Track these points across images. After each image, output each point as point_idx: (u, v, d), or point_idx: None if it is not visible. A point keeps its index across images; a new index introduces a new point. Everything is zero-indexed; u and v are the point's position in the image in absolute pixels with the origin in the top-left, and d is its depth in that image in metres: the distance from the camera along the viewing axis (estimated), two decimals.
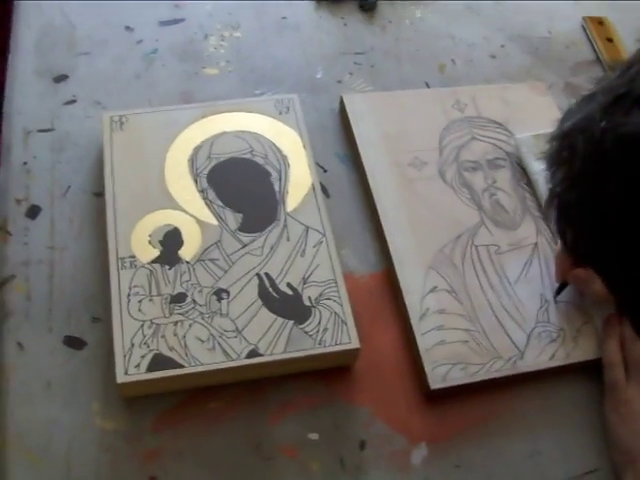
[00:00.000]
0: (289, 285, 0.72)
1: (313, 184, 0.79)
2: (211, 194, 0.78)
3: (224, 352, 0.68)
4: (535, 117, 0.89)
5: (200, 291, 0.71)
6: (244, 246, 0.74)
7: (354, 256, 0.79)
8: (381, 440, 0.69)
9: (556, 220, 0.51)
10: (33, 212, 0.78)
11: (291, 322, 0.70)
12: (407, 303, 0.74)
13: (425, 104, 0.90)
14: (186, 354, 0.67)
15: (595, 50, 1.02)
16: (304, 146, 0.82)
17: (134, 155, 0.79)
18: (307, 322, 0.70)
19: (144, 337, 0.68)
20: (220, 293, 0.71)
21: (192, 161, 0.80)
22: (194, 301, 0.71)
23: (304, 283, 0.72)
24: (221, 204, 0.77)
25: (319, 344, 0.69)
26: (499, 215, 0.82)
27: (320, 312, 0.71)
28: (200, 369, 0.67)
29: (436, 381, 0.70)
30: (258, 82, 0.92)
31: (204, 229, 0.75)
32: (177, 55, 0.93)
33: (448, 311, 0.75)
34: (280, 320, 0.70)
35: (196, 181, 0.78)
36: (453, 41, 1.01)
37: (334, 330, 0.70)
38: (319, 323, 0.70)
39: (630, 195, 0.43)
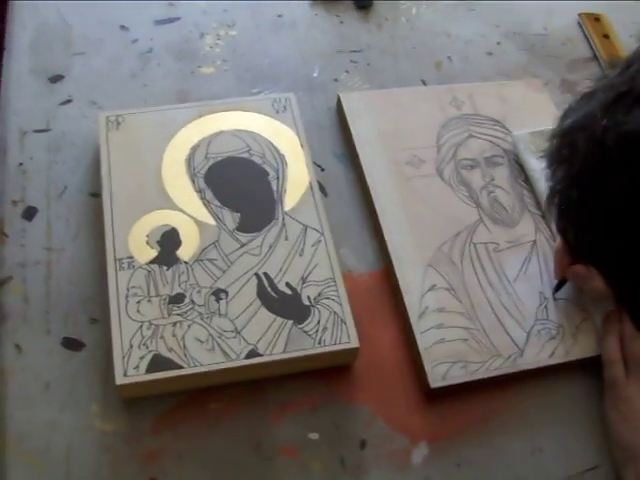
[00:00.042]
0: (288, 285, 0.72)
1: (311, 183, 0.79)
2: (209, 194, 0.77)
3: (223, 352, 0.68)
4: (532, 114, 0.89)
5: (199, 291, 0.71)
6: (242, 246, 0.74)
7: (352, 255, 0.79)
8: (381, 439, 0.69)
9: (557, 218, 0.51)
10: (29, 213, 0.78)
11: (290, 322, 0.70)
12: (406, 302, 0.74)
13: (422, 102, 0.90)
14: (185, 355, 0.67)
15: (591, 47, 1.02)
16: (301, 145, 0.82)
17: (131, 155, 0.79)
18: (306, 322, 0.70)
19: (143, 338, 0.68)
20: (219, 293, 0.71)
21: (189, 161, 0.79)
22: (193, 301, 0.70)
23: (303, 282, 0.72)
24: (219, 204, 0.77)
25: (318, 344, 0.69)
26: (497, 213, 0.82)
27: (319, 311, 0.71)
28: (199, 370, 0.67)
29: (436, 380, 0.70)
30: (254, 81, 0.92)
31: (202, 229, 0.75)
32: (173, 54, 0.93)
33: (447, 309, 0.75)
34: (279, 320, 0.70)
35: (193, 181, 0.78)
36: (449, 38, 1.01)
37: (333, 329, 0.70)
38: (318, 322, 0.70)
39: (632, 193, 0.43)
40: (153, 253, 0.73)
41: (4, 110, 0.85)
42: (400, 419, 0.70)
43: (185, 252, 0.73)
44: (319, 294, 0.72)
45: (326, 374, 0.71)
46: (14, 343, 0.70)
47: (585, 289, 0.76)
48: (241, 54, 0.94)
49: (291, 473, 0.66)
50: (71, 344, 0.70)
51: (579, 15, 1.05)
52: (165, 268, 0.72)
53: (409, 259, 0.77)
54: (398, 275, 0.76)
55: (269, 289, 0.72)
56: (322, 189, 0.82)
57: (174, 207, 0.76)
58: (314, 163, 0.83)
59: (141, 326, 0.68)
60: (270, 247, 0.74)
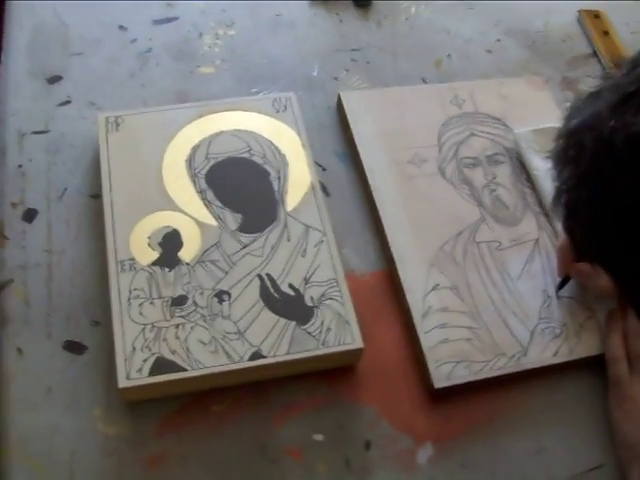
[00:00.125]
0: (291, 286, 0.72)
1: (312, 183, 0.79)
2: (210, 194, 0.77)
3: (227, 354, 0.67)
4: (533, 112, 0.89)
5: (201, 293, 0.70)
6: (244, 247, 0.74)
7: (355, 255, 0.79)
8: (386, 440, 0.69)
9: (564, 218, 0.51)
10: (29, 215, 0.77)
11: (294, 323, 0.70)
12: (409, 301, 0.74)
13: (423, 100, 0.90)
14: (188, 357, 0.67)
15: (591, 43, 1.01)
16: (303, 145, 0.81)
17: (131, 156, 0.78)
18: (310, 323, 0.70)
19: (145, 341, 0.67)
20: (221, 295, 0.71)
21: (190, 161, 0.79)
22: (195, 303, 0.70)
23: (306, 283, 0.72)
24: (220, 204, 0.76)
25: (322, 345, 0.69)
26: (499, 211, 0.81)
27: (323, 312, 0.70)
28: (203, 372, 0.66)
29: (440, 380, 0.70)
30: (254, 80, 0.92)
31: (203, 230, 0.75)
32: (171, 54, 0.92)
33: (450, 309, 0.74)
34: (283, 321, 0.70)
35: (194, 181, 0.78)
36: (449, 36, 1.00)
37: (337, 330, 0.70)
38: (322, 323, 0.70)
39: None
40: (155, 255, 0.72)
41: (2, 112, 0.84)
42: (404, 419, 0.70)
43: (187, 253, 0.73)
44: (322, 295, 0.71)
45: (330, 375, 0.71)
46: (16, 346, 0.69)
47: (589, 287, 0.75)
48: (240, 54, 0.94)
49: (296, 475, 0.66)
50: (73, 347, 0.70)
51: (578, 12, 1.05)
52: (167, 270, 0.72)
53: (411, 259, 0.77)
54: (401, 275, 0.76)
55: (272, 290, 0.71)
56: (324, 189, 0.82)
57: (175, 208, 0.76)
58: (315, 163, 0.82)
59: (144, 328, 0.68)
60: (272, 248, 0.74)
